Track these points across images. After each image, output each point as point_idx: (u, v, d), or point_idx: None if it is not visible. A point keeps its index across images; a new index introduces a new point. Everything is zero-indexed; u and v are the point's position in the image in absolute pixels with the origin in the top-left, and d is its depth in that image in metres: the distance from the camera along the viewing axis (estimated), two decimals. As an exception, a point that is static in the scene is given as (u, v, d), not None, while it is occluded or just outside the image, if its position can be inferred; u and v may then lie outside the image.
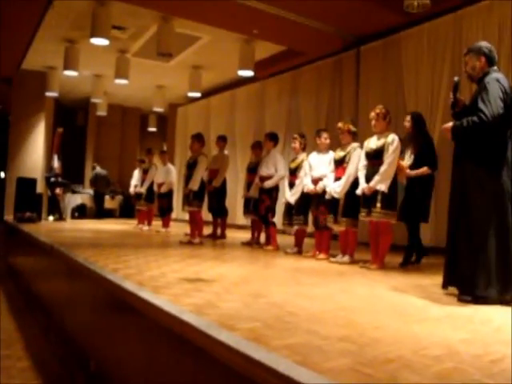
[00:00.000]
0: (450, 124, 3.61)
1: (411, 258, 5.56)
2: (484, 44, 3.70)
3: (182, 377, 2.43)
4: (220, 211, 8.31)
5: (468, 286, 3.39)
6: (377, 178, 5.02)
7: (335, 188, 5.51)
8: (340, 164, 5.60)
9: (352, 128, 5.69)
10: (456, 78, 3.74)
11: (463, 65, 3.76)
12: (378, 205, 5.00)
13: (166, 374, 2.56)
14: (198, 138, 7.57)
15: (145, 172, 10.38)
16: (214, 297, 3.13)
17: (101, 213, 13.85)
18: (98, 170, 14.09)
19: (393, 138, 5.06)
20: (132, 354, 3.06)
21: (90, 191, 14.73)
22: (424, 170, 5.40)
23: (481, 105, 3.38)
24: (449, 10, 7.28)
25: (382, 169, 5.01)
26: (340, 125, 5.74)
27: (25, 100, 12.64)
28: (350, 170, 5.43)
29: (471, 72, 3.66)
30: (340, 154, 5.66)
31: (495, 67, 3.62)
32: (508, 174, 3.37)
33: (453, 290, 3.58)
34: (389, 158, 5.01)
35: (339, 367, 1.84)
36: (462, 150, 3.55)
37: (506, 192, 3.34)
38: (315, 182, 5.94)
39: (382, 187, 4.98)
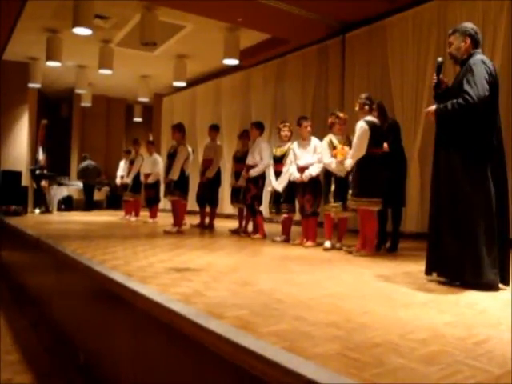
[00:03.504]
0: (434, 107, 3.55)
1: (398, 242, 5.59)
2: (470, 25, 3.64)
3: (170, 365, 2.44)
4: (212, 201, 8.28)
5: (457, 271, 3.39)
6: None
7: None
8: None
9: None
10: (439, 59, 3.69)
11: (447, 45, 3.68)
12: (350, 192, 5.09)
13: (155, 363, 2.57)
14: (179, 128, 7.60)
15: (131, 163, 10.31)
16: (201, 286, 3.14)
17: (90, 205, 13.78)
18: (88, 161, 13.95)
19: (357, 124, 5.12)
20: (121, 344, 3.06)
21: (77, 183, 14.62)
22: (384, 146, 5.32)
23: (466, 86, 3.33)
24: (433, -3, 7.30)
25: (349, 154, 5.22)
26: (343, 115, 5.73)
27: (7, 92, 12.45)
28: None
29: (456, 53, 3.60)
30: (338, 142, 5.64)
31: (479, 50, 3.58)
32: (492, 158, 3.35)
33: (436, 275, 3.63)
34: (352, 144, 5.15)
35: (326, 352, 1.86)
36: (447, 134, 3.49)
37: (491, 177, 3.33)
38: (301, 170, 5.94)
39: (347, 163, 5.24)
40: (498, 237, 3.32)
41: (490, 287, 3.28)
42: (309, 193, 5.86)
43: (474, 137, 3.38)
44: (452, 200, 3.42)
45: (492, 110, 3.40)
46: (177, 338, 2.32)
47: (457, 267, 3.38)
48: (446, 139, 3.50)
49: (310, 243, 5.85)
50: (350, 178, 5.34)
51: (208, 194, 8.18)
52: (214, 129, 8.52)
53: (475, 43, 3.58)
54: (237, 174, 7.50)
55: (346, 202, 5.38)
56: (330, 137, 5.71)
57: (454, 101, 3.37)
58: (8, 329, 4.82)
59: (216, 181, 8.23)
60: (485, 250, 3.28)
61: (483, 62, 3.42)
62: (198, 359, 2.18)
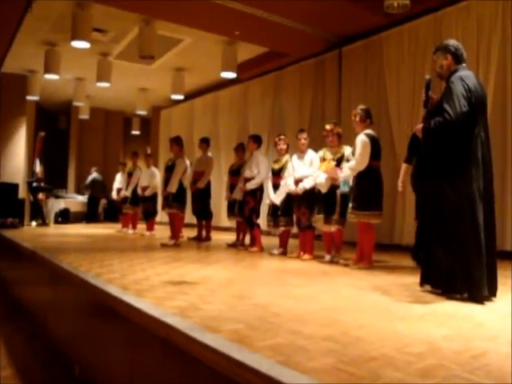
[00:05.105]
0: (421, 126, 3.70)
1: None
2: (451, 42, 3.75)
3: (166, 379, 2.42)
4: (205, 214, 8.33)
5: (448, 283, 3.43)
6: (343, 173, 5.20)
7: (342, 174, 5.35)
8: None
9: (340, 130, 5.71)
10: (427, 77, 3.80)
11: (433, 64, 3.82)
12: (350, 205, 5.06)
13: (151, 377, 2.55)
14: (177, 141, 7.63)
15: (129, 175, 10.29)
16: (198, 299, 3.12)
17: (95, 217, 13.76)
18: (95, 174, 14.01)
19: (358, 138, 5.10)
20: (116, 357, 3.03)
21: (75, 196, 14.62)
22: None
23: (445, 105, 3.44)
24: (428, 11, 7.37)
25: (349, 165, 5.14)
26: (328, 127, 5.69)
27: (5, 104, 12.48)
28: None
29: (439, 71, 3.73)
30: (332, 156, 5.59)
31: (463, 64, 3.66)
32: (478, 171, 3.40)
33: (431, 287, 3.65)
34: (354, 157, 5.08)
35: (322, 366, 1.84)
36: (433, 151, 3.60)
37: (477, 190, 3.37)
38: (296, 182, 5.96)
39: (345, 171, 5.19)
40: (486, 248, 3.34)
41: (480, 298, 3.29)
42: (304, 206, 5.86)
43: (456, 151, 3.45)
44: (439, 215, 3.49)
45: (473, 122, 3.44)
46: (172, 351, 2.30)
47: (448, 279, 3.42)
48: (432, 154, 3.61)
49: (307, 256, 5.84)
50: (338, 192, 5.35)
51: (200, 207, 8.21)
52: (205, 142, 8.62)
53: (457, 59, 3.66)
54: (232, 187, 7.50)
55: (331, 216, 5.41)
56: (324, 150, 5.73)
57: (436, 119, 3.49)
58: (2, 343, 4.78)
59: (206, 193, 8.27)
60: (474, 260, 3.31)
61: (461, 78, 3.49)
62: (193, 373, 2.16)
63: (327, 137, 5.66)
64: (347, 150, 5.49)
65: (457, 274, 3.36)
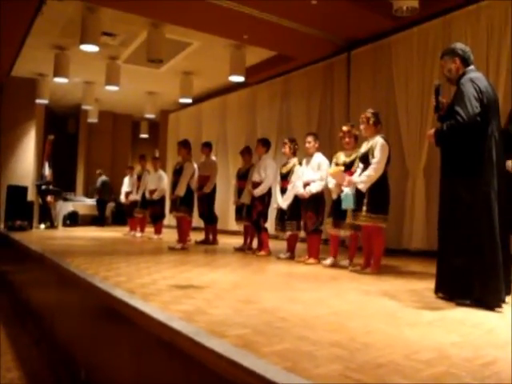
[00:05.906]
0: (433, 130, 3.67)
1: None
2: (458, 45, 3.74)
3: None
4: (209, 218, 8.33)
5: (464, 288, 3.36)
6: (359, 178, 5.04)
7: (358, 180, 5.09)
8: (348, 169, 5.46)
9: (357, 133, 5.66)
10: (437, 82, 3.78)
11: (441, 68, 3.80)
12: (364, 208, 5.00)
13: (156, 381, 2.53)
14: (184, 145, 7.65)
15: (139, 178, 10.29)
16: (204, 303, 3.11)
17: (103, 220, 13.81)
18: (104, 177, 14.08)
19: (376, 141, 5.02)
20: (122, 361, 3.02)
21: (85, 199, 14.68)
22: None
23: (457, 107, 3.42)
24: (437, 14, 7.32)
25: (367, 171, 5.00)
26: (346, 128, 5.63)
27: (15, 107, 12.56)
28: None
29: (448, 75, 3.72)
30: (345, 159, 5.56)
31: (472, 67, 3.65)
32: (493, 171, 3.36)
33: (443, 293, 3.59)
34: (373, 162, 4.96)
35: (329, 373, 1.82)
36: (448, 153, 3.58)
37: (492, 190, 3.33)
38: (303, 186, 5.93)
39: (360, 186, 5.01)
40: (501, 251, 3.29)
41: (496, 302, 3.24)
42: (310, 210, 5.84)
43: (471, 152, 3.42)
44: (455, 217, 3.44)
45: (485, 123, 3.41)
46: (178, 356, 2.28)
47: (463, 281, 3.37)
48: (447, 157, 3.59)
49: (311, 260, 5.81)
50: (343, 195, 5.26)
51: (206, 211, 8.23)
52: (207, 146, 8.65)
53: (465, 61, 3.65)
54: (240, 191, 7.48)
55: (343, 220, 5.35)
56: (337, 154, 5.70)
57: (448, 122, 3.47)
58: (9, 345, 4.79)
59: (210, 197, 8.29)
60: (490, 266, 3.25)
61: (471, 80, 3.48)
62: (199, 378, 2.14)
63: (343, 138, 5.60)
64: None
65: (473, 276, 3.30)
